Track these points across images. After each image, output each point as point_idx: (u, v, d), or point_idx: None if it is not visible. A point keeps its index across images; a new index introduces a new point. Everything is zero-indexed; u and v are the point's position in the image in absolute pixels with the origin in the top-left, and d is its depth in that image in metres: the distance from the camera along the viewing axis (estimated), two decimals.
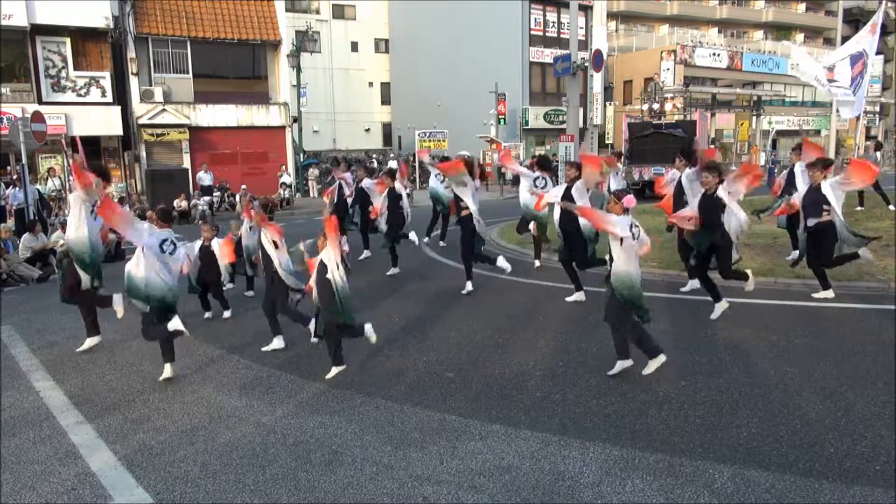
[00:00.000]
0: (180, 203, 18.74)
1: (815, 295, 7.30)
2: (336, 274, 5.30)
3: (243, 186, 21.10)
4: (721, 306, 6.65)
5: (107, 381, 5.67)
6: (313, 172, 26.28)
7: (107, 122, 20.96)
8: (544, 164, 9.28)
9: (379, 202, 9.53)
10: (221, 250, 7.14)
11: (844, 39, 41.48)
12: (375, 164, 29.29)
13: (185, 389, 5.36)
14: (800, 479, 3.66)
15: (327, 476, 3.87)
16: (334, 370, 5.46)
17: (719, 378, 5.21)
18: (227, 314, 7.61)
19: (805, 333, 6.30)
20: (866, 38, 13.73)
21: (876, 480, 3.63)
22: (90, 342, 6.44)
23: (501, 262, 8.26)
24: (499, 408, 4.80)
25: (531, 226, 9.55)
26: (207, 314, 7.65)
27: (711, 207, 6.54)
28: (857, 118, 42.77)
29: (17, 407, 5.11)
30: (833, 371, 5.29)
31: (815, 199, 7.09)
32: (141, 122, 21.81)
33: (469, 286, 8.36)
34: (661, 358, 5.11)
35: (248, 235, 7.70)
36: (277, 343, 6.32)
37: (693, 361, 5.62)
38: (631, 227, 5.09)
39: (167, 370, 5.61)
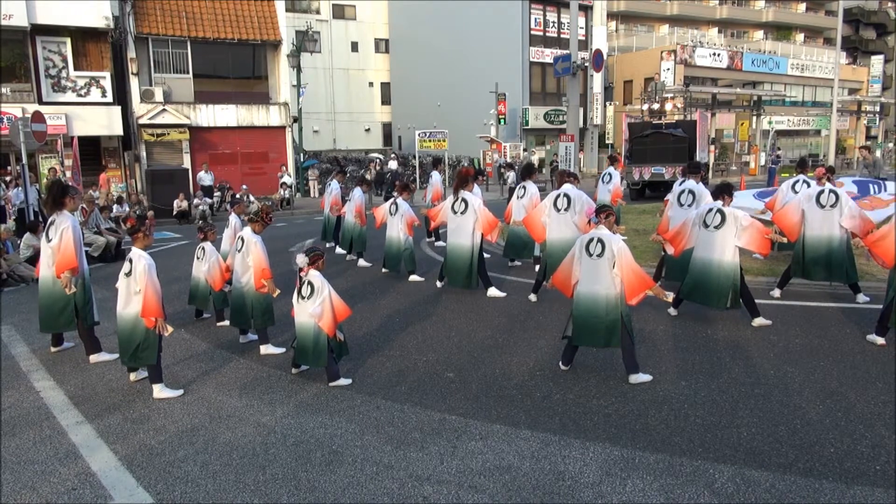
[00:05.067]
0: (180, 203, 18.74)
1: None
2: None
3: (244, 186, 21.15)
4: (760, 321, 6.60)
5: (107, 381, 5.67)
6: (313, 172, 26.29)
7: (107, 122, 20.98)
8: (526, 173, 9.54)
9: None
10: (214, 277, 7.08)
11: (844, 39, 41.49)
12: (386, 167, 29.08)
13: (185, 389, 5.35)
14: (800, 479, 3.67)
15: (327, 476, 3.87)
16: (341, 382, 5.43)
17: (719, 378, 5.21)
18: (227, 322, 7.45)
19: (805, 333, 6.31)
20: None
21: (876, 480, 3.63)
22: (95, 358, 6.28)
23: (493, 292, 8.28)
24: (499, 408, 4.80)
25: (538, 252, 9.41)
26: (207, 315, 7.64)
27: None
28: (857, 118, 42.57)
29: (17, 407, 5.11)
30: (833, 371, 5.29)
31: None
32: (141, 122, 21.82)
33: (493, 292, 8.29)
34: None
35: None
36: (272, 349, 6.33)
37: (693, 361, 5.63)
38: (589, 243, 5.21)
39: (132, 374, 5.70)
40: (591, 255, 5.20)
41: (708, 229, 6.50)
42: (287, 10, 26.44)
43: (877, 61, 49.28)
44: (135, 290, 5.21)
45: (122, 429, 4.64)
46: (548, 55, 31.71)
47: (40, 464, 4.13)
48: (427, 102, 35.21)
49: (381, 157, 31.89)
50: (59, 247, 5.98)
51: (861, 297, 7.30)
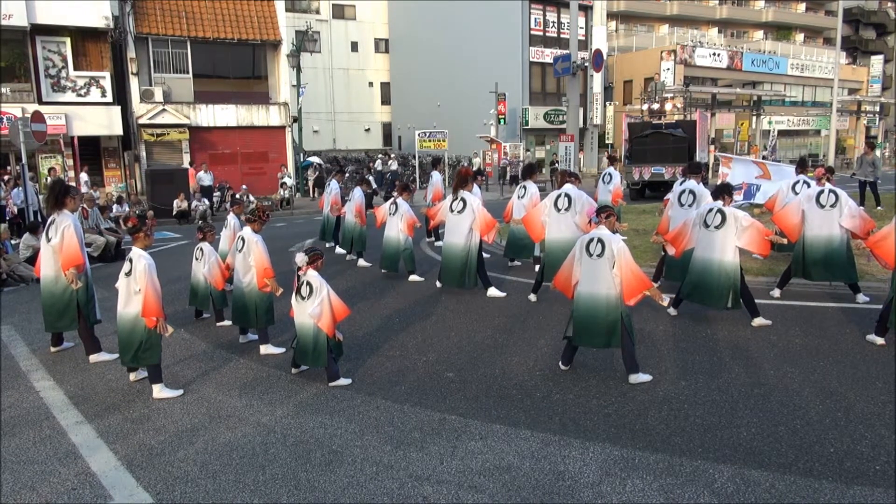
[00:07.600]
0: (180, 203, 18.73)
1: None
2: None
3: (244, 186, 21.15)
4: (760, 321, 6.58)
5: (107, 381, 5.67)
6: (313, 172, 26.24)
7: (107, 122, 20.98)
8: (526, 172, 9.61)
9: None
10: (215, 276, 7.09)
11: (844, 39, 41.46)
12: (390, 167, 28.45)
13: (185, 389, 5.36)
14: (800, 479, 3.67)
15: (327, 476, 3.87)
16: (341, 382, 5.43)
17: (719, 378, 5.21)
18: (227, 322, 7.24)
19: (805, 333, 6.31)
20: None
21: (876, 480, 3.63)
22: (94, 358, 6.24)
23: (493, 292, 8.27)
24: (499, 408, 4.80)
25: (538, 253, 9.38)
26: (206, 315, 7.63)
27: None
28: (857, 118, 42.61)
29: (17, 407, 5.11)
30: (833, 371, 5.29)
31: None
32: (141, 122, 21.82)
33: (493, 292, 8.27)
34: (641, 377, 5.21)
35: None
36: (272, 349, 6.32)
37: (693, 361, 5.63)
38: (589, 243, 5.20)
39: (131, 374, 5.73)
40: (591, 255, 5.20)
41: (708, 229, 6.50)
42: (287, 10, 26.44)
43: (877, 61, 49.26)
44: (135, 289, 5.20)
45: (122, 429, 4.64)
46: (548, 55, 31.68)
47: (40, 464, 4.13)
48: (427, 102, 35.17)
49: (320, 161, 29.56)
50: (61, 245, 5.97)
51: (861, 297, 7.30)
